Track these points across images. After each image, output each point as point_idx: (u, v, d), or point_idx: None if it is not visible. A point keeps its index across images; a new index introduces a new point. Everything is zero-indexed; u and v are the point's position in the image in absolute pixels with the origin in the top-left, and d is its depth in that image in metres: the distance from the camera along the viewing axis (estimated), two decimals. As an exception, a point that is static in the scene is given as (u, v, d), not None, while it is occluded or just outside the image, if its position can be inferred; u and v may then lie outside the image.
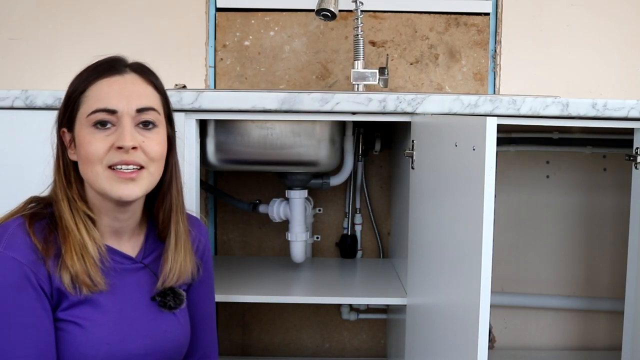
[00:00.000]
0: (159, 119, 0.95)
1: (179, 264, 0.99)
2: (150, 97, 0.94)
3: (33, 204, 0.95)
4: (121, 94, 0.91)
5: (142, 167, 0.92)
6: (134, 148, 0.90)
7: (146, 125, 0.93)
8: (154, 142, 0.93)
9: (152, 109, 0.93)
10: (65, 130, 0.95)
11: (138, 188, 0.92)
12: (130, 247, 1.00)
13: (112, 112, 0.90)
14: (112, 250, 0.96)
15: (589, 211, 1.84)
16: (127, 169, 0.90)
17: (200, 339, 1.10)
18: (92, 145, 0.90)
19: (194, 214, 1.14)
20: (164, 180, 0.99)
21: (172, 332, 1.00)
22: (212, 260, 1.16)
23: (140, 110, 0.92)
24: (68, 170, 0.94)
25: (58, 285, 0.89)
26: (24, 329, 0.86)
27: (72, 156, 0.94)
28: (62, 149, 0.95)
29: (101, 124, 0.90)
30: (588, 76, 1.87)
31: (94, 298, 0.91)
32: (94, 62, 0.95)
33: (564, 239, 1.85)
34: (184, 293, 1.02)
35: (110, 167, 0.90)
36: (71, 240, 0.90)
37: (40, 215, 0.93)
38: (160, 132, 0.95)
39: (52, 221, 0.92)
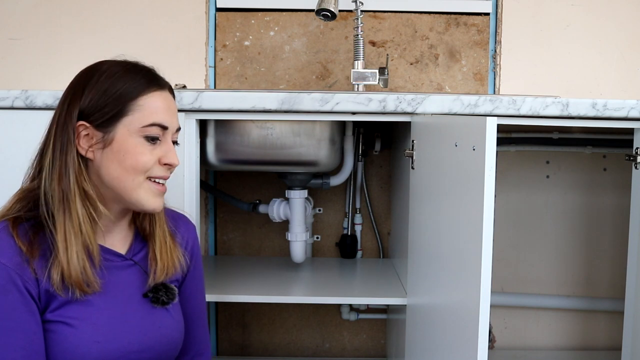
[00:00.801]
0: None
1: (165, 261, 1.01)
2: (177, 117, 1.01)
3: (20, 204, 0.93)
4: (170, 112, 0.97)
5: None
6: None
7: (175, 144, 1.00)
8: (178, 159, 1.00)
9: (180, 129, 1.01)
10: (87, 125, 0.91)
11: (163, 201, 0.99)
12: (120, 244, 1.00)
13: (165, 128, 0.95)
14: (102, 248, 0.96)
15: (589, 211, 1.84)
16: (161, 181, 0.97)
17: (193, 336, 1.11)
18: (144, 156, 0.93)
19: (180, 211, 1.13)
20: None
21: (166, 328, 1.00)
22: (210, 260, 1.17)
23: (178, 130, 0.99)
24: (80, 164, 0.92)
25: (46, 287, 0.88)
26: (10, 332, 0.86)
27: (90, 154, 0.92)
28: (73, 141, 0.92)
29: (153, 139, 0.94)
30: (588, 76, 1.87)
31: (83, 297, 0.91)
32: (120, 62, 0.96)
33: (564, 238, 1.85)
34: (175, 288, 1.02)
35: (149, 178, 0.95)
36: (76, 243, 0.89)
37: (25, 217, 0.91)
38: None
39: (37, 223, 0.91)
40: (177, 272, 1.04)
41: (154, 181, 0.96)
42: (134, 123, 0.92)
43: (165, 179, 0.97)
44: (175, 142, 0.99)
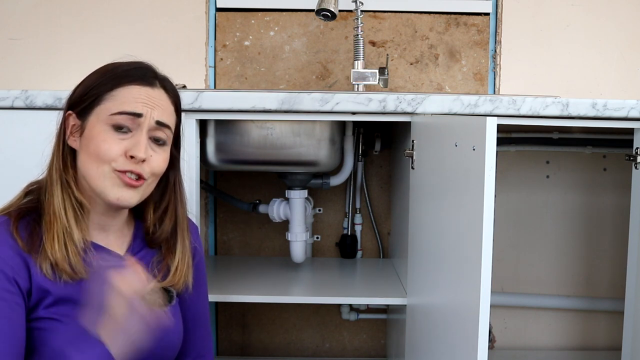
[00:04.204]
0: (169, 138, 0.98)
1: (178, 278, 1.01)
2: (170, 116, 0.98)
3: (27, 198, 0.95)
4: (147, 103, 0.94)
5: (142, 178, 0.94)
6: (143, 160, 0.92)
7: (157, 141, 0.96)
8: (161, 159, 0.96)
9: (168, 127, 0.97)
10: (73, 114, 0.94)
11: (136, 196, 0.94)
12: (118, 245, 1.00)
13: (138, 115, 0.92)
14: (98, 248, 0.96)
15: (589, 211, 1.84)
16: (132, 177, 0.92)
17: (195, 338, 1.10)
18: (107, 144, 0.91)
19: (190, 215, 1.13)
20: (165, 196, 1.02)
21: (163, 330, 0.99)
22: (209, 260, 1.16)
23: (159, 123, 0.95)
24: (65, 154, 0.94)
25: (41, 282, 0.88)
26: None
27: (73, 143, 0.95)
28: (63, 131, 0.95)
29: (120, 128, 0.92)
30: (588, 76, 1.87)
31: (78, 296, 0.91)
32: (122, 61, 0.97)
33: (564, 238, 1.85)
34: (174, 290, 1.02)
35: (116, 171, 0.92)
36: (56, 226, 0.90)
37: (27, 210, 0.92)
38: (167, 150, 0.98)
39: (38, 214, 0.92)
40: (182, 290, 1.03)
41: (122, 174, 0.92)
42: (104, 111, 0.92)
43: (133, 173, 0.92)
44: (158, 139, 0.95)
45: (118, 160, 0.91)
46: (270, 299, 1.39)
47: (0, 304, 0.85)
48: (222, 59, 1.83)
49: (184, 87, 1.58)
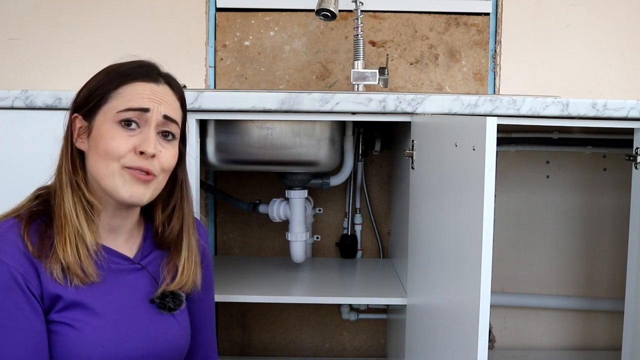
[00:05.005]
0: (177, 133, 0.98)
1: (186, 277, 1.00)
2: (176, 111, 0.97)
3: (37, 201, 0.94)
4: (153, 98, 0.94)
5: (153, 175, 0.93)
6: (152, 156, 0.92)
7: (166, 136, 0.95)
8: (170, 154, 0.96)
9: (176, 122, 0.97)
10: (79, 116, 0.94)
11: (148, 193, 0.94)
12: (128, 247, 0.99)
13: (145, 110, 0.92)
14: (109, 251, 0.95)
15: (589, 211, 1.84)
16: (142, 173, 0.92)
17: (200, 340, 1.10)
18: (115, 141, 0.91)
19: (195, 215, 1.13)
20: (173, 194, 1.02)
21: (172, 335, 0.99)
22: (212, 261, 1.16)
23: (166, 118, 0.94)
24: (74, 156, 0.94)
25: (51, 288, 0.88)
26: (12, 330, 0.86)
27: (81, 145, 0.94)
28: (70, 134, 0.95)
29: (127, 123, 0.91)
30: (588, 76, 1.87)
31: (89, 300, 0.91)
32: (126, 61, 0.97)
33: (564, 238, 1.85)
34: (183, 294, 1.01)
35: (126, 167, 0.91)
36: (67, 229, 0.89)
37: (38, 213, 0.92)
38: (175, 146, 0.98)
39: (49, 217, 0.92)
40: (191, 289, 1.02)
41: (132, 170, 0.91)
42: (111, 110, 0.92)
43: (143, 170, 0.91)
44: (167, 133, 0.95)
45: (127, 157, 0.91)
46: (270, 299, 1.39)
47: (15, 314, 0.86)
48: (222, 59, 1.83)
49: (184, 87, 1.58)
